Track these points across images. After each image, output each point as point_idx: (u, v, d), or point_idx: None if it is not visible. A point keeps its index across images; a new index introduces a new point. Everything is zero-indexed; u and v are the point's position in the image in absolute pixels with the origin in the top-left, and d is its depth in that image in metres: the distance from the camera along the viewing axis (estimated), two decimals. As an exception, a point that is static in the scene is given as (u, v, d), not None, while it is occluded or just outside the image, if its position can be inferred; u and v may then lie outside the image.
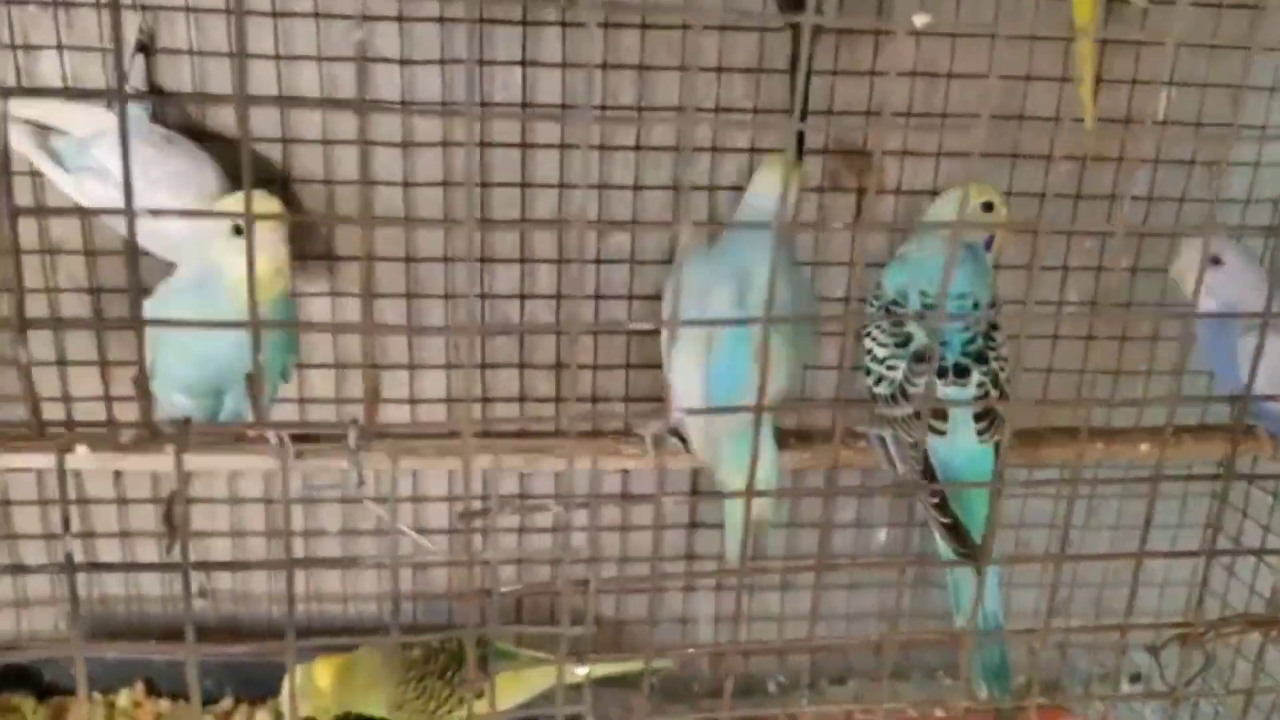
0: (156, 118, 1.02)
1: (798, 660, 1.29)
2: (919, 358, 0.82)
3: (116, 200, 0.93)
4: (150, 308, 0.81)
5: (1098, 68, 1.07)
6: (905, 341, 0.83)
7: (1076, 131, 1.08)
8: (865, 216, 1.02)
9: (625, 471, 1.19)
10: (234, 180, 0.99)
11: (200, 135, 1.03)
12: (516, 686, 1.06)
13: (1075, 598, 1.27)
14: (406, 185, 1.07)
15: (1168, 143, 1.14)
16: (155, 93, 1.02)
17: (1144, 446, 0.81)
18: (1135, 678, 1.31)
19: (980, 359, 0.82)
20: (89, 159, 0.97)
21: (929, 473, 0.80)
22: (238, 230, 0.73)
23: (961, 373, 0.82)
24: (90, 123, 0.99)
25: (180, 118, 1.03)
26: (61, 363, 1.08)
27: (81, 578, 1.17)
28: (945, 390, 0.81)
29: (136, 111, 1.00)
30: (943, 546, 0.82)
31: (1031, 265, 1.09)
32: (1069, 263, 1.17)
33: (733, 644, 0.55)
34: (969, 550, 0.78)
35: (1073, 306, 1.19)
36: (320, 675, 0.99)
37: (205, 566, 1.04)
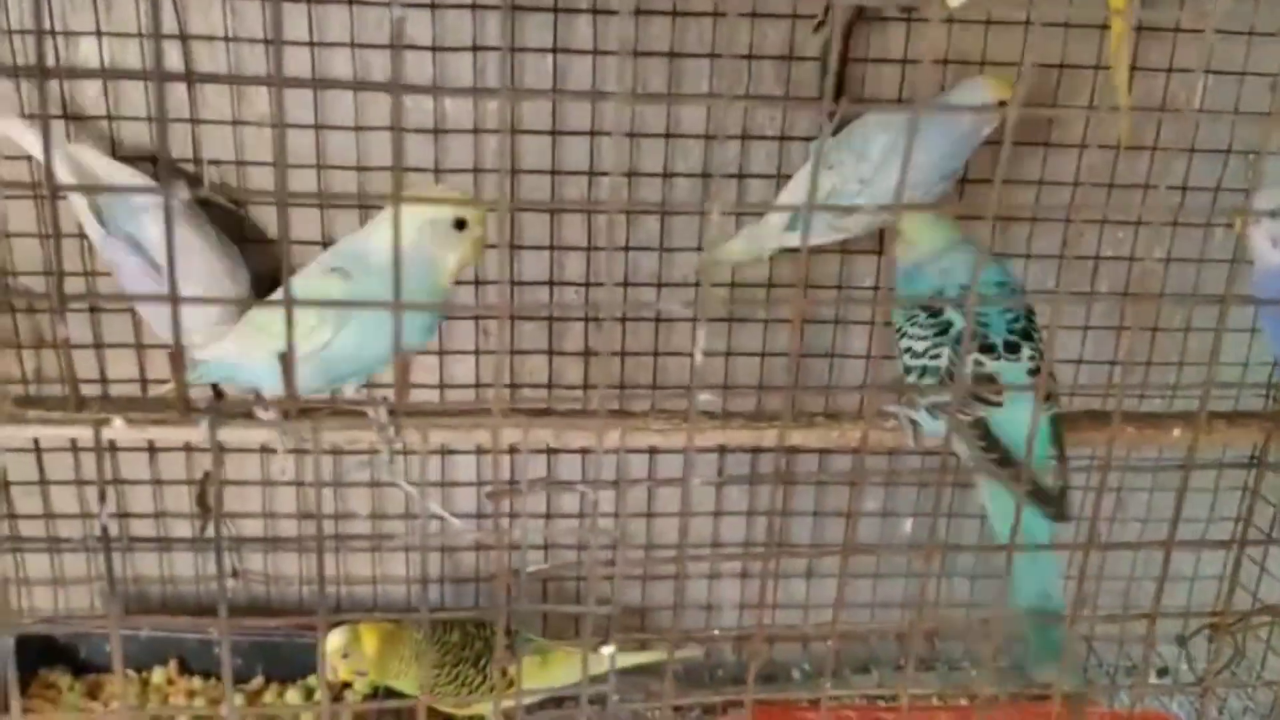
0: (200, 199, 1.05)
1: (822, 649, 1.29)
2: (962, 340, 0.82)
3: (140, 273, 0.98)
4: (347, 287, 0.81)
5: (1133, 55, 1.06)
6: (945, 329, 0.84)
7: (1110, 120, 1.07)
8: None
9: (652, 455, 1.19)
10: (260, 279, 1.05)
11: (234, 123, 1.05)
12: (543, 679, 1.07)
13: (1101, 592, 1.27)
14: (438, 171, 1.08)
15: (1203, 131, 1.13)
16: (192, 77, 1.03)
17: (1176, 431, 0.80)
18: (1163, 672, 1.30)
19: (1027, 336, 0.83)
20: (134, 224, 1.00)
21: (993, 446, 0.79)
22: (459, 224, 0.77)
23: (1012, 349, 0.82)
24: (147, 193, 1.02)
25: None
26: (99, 345, 1.09)
27: (116, 558, 1.20)
28: (998, 365, 0.81)
29: (182, 193, 1.03)
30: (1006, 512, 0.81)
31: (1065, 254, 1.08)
32: (1101, 252, 1.16)
33: (757, 628, 0.56)
34: (1047, 499, 0.77)
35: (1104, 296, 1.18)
36: (367, 640, 1.00)
37: (240, 541, 1.06)
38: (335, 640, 1.00)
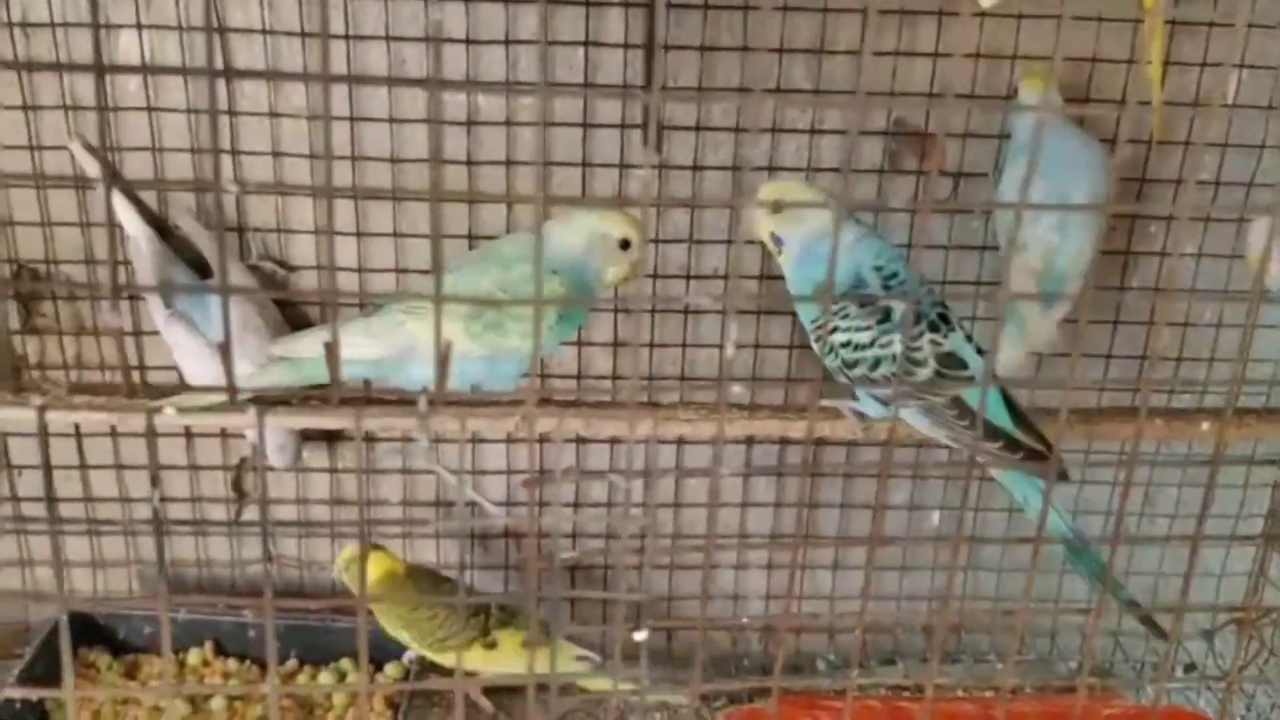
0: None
1: (848, 640, 1.30)
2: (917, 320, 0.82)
3: (197, 353, 1.01)
4: (558, 288, 0.84)
5: (1166, 50, 1.05)
6: (886, 316, 0.83)
7: (1143, 114, 1.07)
8: (927, 197, 1.01)
9: (680, 445, 1.20)
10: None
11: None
12: (508, 663, 1.07)
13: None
14: (470, 164, 1.10)
15: (1236, 126, 1.13)
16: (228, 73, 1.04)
17: (1205, 425, 0.80)
18: (1190, 668, 1.29)
19: (942, 304, 0.84)
20: (198, 308, 1.02)
21: (974, 422, 0.79)
22: (625, 244, 0.84)
23: (946, 321, 0.82)
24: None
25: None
26: (137, 333, 1.12)
27: (154, 541, 1.22)
28: (953, 341, 0.81)
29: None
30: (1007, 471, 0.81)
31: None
32: (1132, 247, 1.16)
33: (784, 616, 0.56)
34: (1033, 450, 0.77)
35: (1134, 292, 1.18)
36: (374, 566, 1.06)
37: (281, 525, 1.08)
38: (349, 551, 1.08)
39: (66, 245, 1.09)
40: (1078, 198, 1.00)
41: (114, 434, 1.16)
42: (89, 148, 1.02)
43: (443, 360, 0.46)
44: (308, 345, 0.82)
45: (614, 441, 1.21)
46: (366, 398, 0.69)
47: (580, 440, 1.20)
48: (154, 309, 1.03)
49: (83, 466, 1.17)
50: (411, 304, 0.80)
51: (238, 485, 1.19)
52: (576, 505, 1.23)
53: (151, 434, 0.47)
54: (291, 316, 1.11)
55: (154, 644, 1.18)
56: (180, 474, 1.19)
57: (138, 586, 1.23)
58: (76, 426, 1.16)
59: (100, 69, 0.44)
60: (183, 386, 0.73)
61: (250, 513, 1.21)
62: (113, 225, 0.42)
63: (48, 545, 1.14)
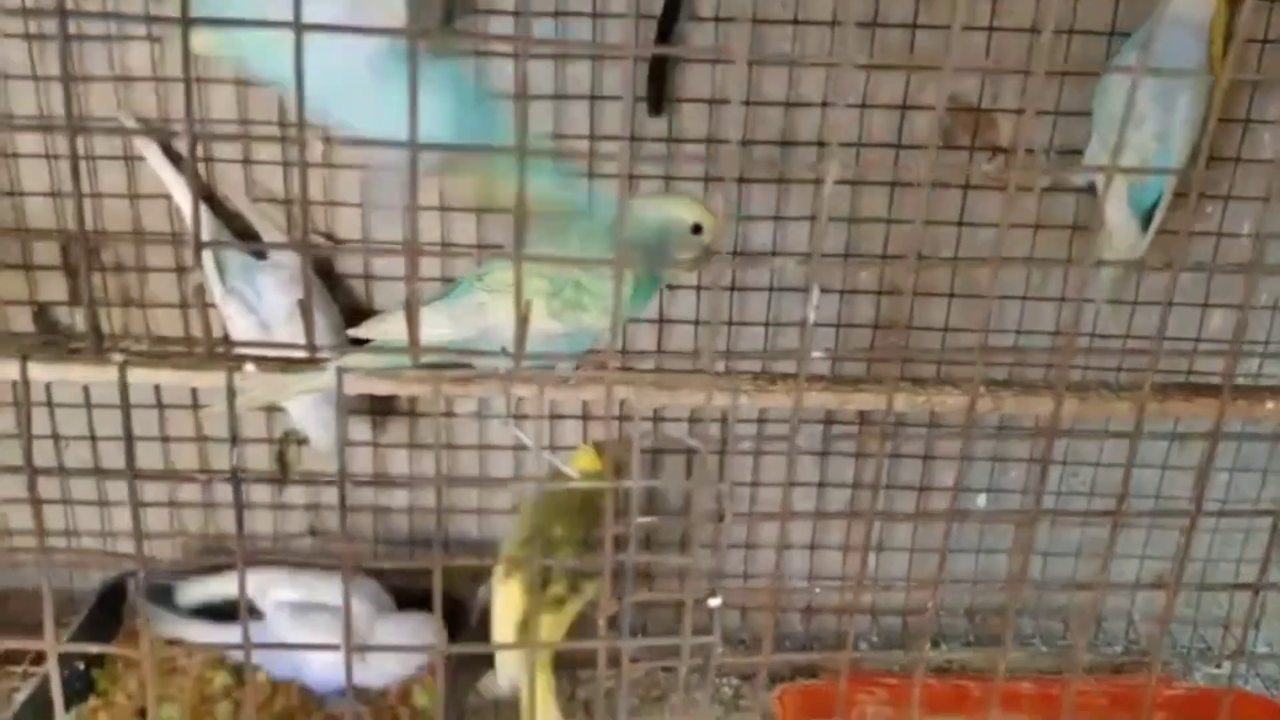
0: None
1: (890, 622, 1.29)
2: None
3: (249, 331, 1.03)
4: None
5: (1230, 24, 1.03)
6: None
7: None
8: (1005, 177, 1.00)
9: (723, 423, 1.20)
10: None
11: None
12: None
13: (1175, 569, 1.25)
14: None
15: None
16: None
17: (1270, 404, 0.78)
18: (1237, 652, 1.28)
19: None
20: (249, 285, 1.03)
21: None
22: (697, 229, 0.82)
23: None
24: (274, 254, 1.06)
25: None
26: (184, 306, 1.12)
27: (198, 514, 1.23)
28: None
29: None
30: None
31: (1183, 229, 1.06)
32: (1189, 226, 1.14)
33: (855, 588, 0.56)
34: None
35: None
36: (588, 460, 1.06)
37: (369, 484, 1.08)
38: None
39: (115, 218, 1.10)
40: (1181, 100, 0.99)
41: (159, 405, 1.16)
42: (140, 121, 1.03)
43: (524, 319, 0.45)
44: (396, 327, 0.81)
45: (657, 418, 1.20)
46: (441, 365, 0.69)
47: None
48: (212, 282, 1.04)
49: (129, 438, 1.17)
50: (493, 285, 0.80)
51: (282, 458, 1.19)
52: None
53: (230, 393, 0.47)
54: (338, 295, 1.12)
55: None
56: (222, 447, 1.19)
57: (183, 558, 1.24)
58: (124, 395, 1.16)
59: (188, 22, 0.44)
60: (260, 344, 0.73)
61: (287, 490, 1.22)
62: (198, 194, 0.41)
63: (95, 516, 1.15)
